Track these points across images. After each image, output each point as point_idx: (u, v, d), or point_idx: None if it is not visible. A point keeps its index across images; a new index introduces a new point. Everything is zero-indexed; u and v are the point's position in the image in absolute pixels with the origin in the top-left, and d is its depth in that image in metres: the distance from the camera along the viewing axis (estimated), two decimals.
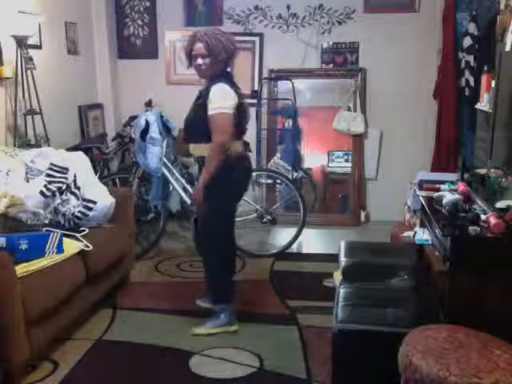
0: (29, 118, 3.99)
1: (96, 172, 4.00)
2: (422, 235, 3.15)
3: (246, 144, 3.24)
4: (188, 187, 4.16)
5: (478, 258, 2.26)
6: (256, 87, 5.22)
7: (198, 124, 2.90)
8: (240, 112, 2.92)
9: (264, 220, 4.42)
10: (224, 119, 2.83)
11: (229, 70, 3.03)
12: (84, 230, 3.16)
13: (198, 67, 2.94)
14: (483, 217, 2.35)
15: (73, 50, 4.81)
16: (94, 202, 3.32)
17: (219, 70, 2.92)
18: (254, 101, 5.11)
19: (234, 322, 3.07)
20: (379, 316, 2.36)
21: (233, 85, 2.93)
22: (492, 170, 2.82)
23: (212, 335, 3.01)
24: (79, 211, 3.28)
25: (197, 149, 3.03)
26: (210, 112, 2.82)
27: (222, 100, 2.83)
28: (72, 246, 2.96)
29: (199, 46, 2.89)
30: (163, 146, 4.14)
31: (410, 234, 3.49)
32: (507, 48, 3.15)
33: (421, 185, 3.12)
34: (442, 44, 4.71)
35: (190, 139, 3.05)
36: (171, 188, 4.25)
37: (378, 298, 2.55)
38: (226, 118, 2.83)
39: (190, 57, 2.95)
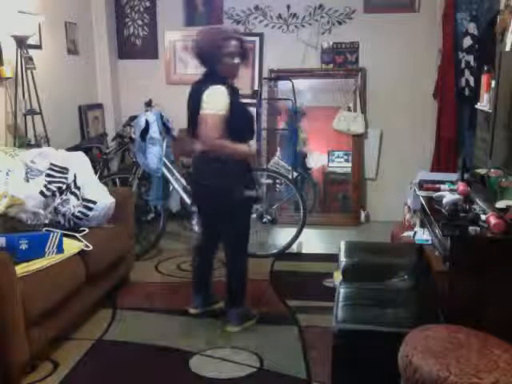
0: (29, 118, 3.99)
1: (96, 172, 4.00)
2: (422, 235, 3.15)
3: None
4: (188, 187, 4.15)
5: (478, 257, 2.26)
6: (256, 87, 5.22)
7: None
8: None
9: (264, 220, 4.40)
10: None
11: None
12: (84, 230, 3.16)
13: None
14: (483, 217, 2.35)
15: (73, 50, 4.82)
16: (94, 202, 3.32)
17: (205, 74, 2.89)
18: (254, 101, 5.11)
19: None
20: (379, 316, 2.36)
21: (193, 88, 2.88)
22: (492, 170, 2.82)
23: (215, 333, 3.05)
24: (79, 211, 3.28)
25: None
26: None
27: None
28: (72, 246, 2.96)
29: None
30: (163, 146, 4.15)
31: (410, 234, 3.49)
32: (507, 48, 3.15)
33: (421, 185, 3.12)
34: (441, 44, 4.71)
35: None
36: (171, 188, 4.25)
37: (378, 298, 2.55)
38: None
39: None
